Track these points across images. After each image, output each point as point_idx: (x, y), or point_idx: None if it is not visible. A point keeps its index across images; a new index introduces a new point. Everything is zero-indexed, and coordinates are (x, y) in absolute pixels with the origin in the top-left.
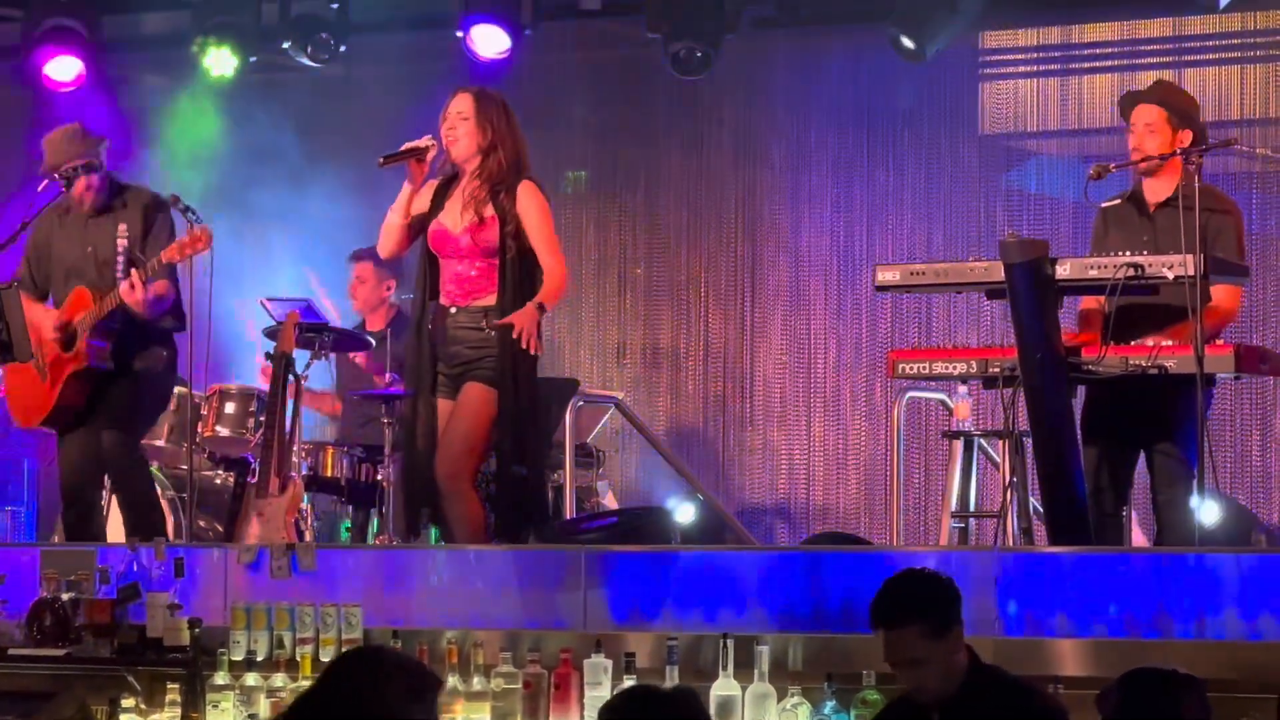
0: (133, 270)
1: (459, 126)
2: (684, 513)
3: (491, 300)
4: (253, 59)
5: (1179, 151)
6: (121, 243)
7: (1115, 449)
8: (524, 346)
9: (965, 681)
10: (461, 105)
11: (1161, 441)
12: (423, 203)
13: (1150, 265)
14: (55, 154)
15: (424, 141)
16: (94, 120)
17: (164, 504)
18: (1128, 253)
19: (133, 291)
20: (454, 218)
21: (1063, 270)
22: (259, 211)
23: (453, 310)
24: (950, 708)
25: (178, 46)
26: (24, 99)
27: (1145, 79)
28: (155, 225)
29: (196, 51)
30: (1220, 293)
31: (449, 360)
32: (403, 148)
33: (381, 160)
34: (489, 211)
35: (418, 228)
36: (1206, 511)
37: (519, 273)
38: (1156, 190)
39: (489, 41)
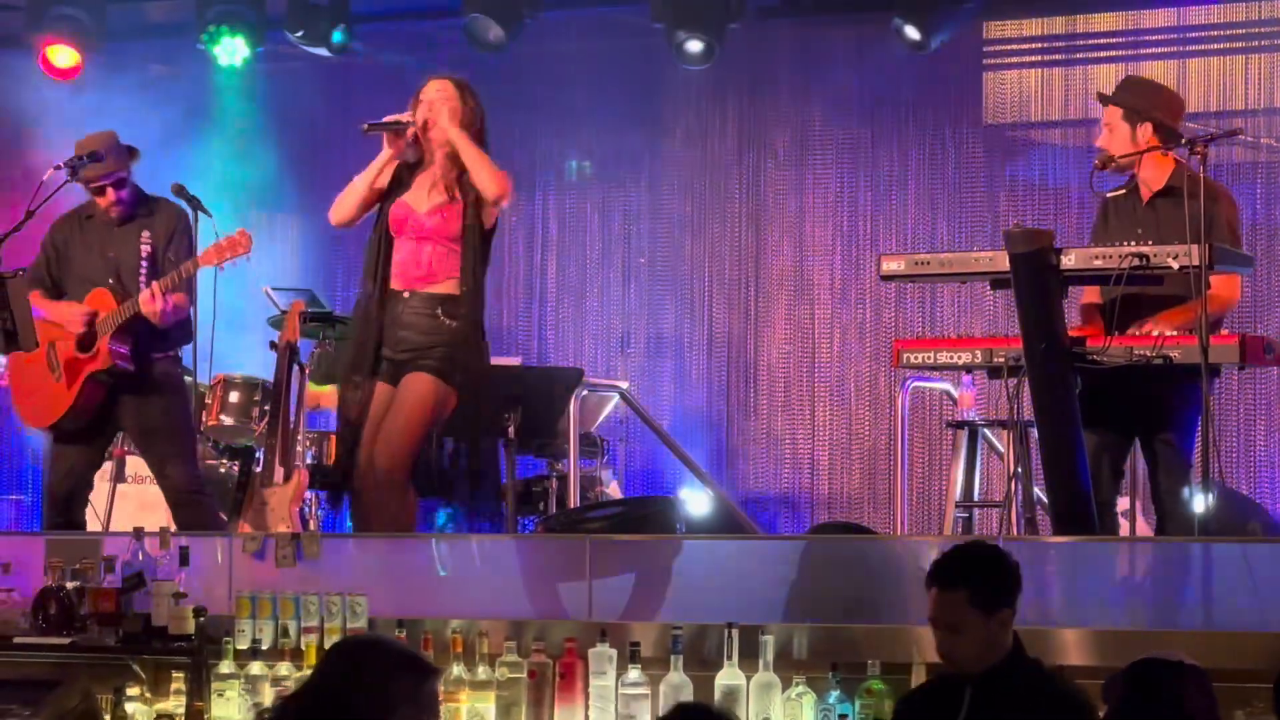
0: (154, 282)
1: (441, 107)
2: (696, 503)
3: (447, 288)
4: (259, 48)
5: (1185, 142)
6: (145, 249)
7: (1113, 438)
8: None
9: (1003, 661)
10: (443, 87)
11: (1162, 431)
12: (383, 179)
13: (1155, 255)
14: (109, 160)
15: (406, 116)
16: (99, 109)
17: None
18: (1132, 242)
19: (152, 301)
20: (420, 197)
21: (1067, 260)
22: (263, 200)
23: (406, 294)
24: (984, 683)
25: (181, 36)
26: (27, 87)
27: (1149, 69)
28: (176, 235)
29: (205, 40)
30: (1219, 281)
31: (395, 345)
32: (386, 119)
33: (365, 127)
34: (458, 192)
35: (373, 203)
36: (1203, 501)
37: (478, 256)
38: (1151, 181)
39: (488, 29)
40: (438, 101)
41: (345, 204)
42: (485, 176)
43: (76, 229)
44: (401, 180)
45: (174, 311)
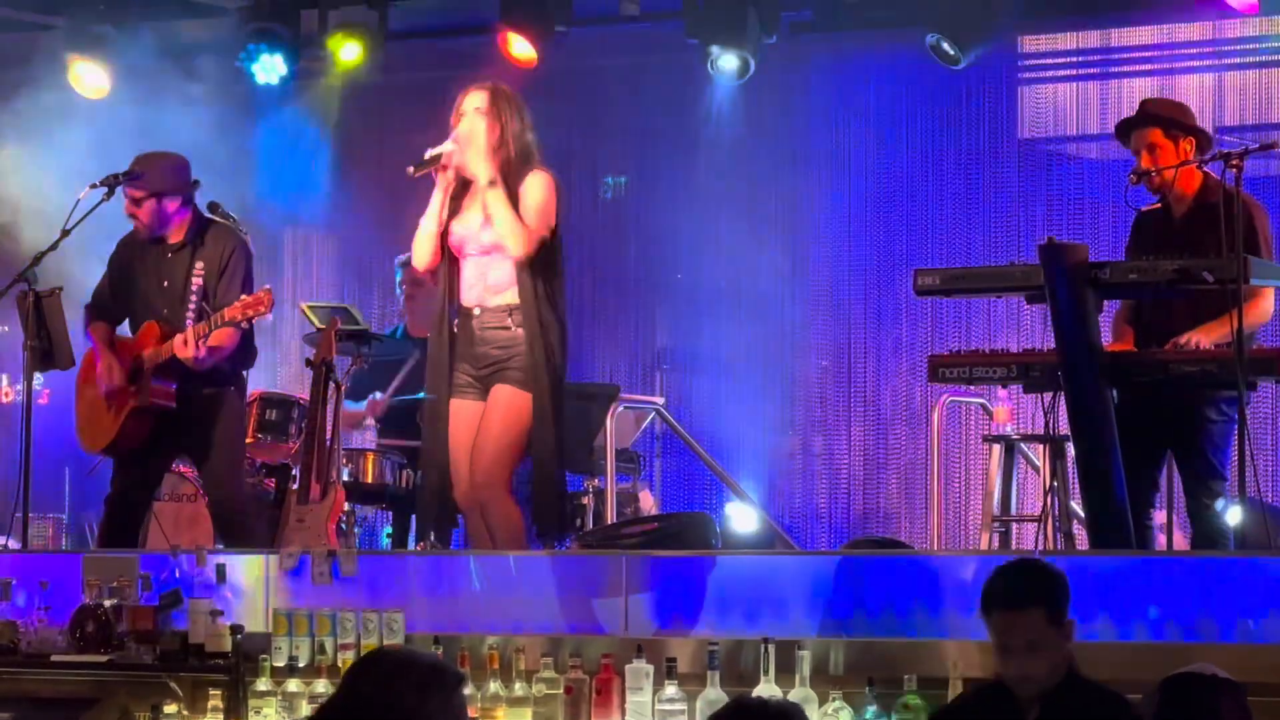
0: (189, 326)
1: (476, 121)
2: (744, 519)
3: (512, 297)
4: (293, 66)
5: (1217, 154)
6: (196, 281)
7: (1148, 451)
8: None
9: (1065, 680)
10: (478, 100)
11: (1196, 444)
12: (445, 211)
13: (1190, 269)
14: (149, 178)
15: (447, 145)
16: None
17: (206, 510)
18: (1167, 256)
19: (185, 348)
20: (474, 218)
21: (1103, 274)
22: (298, 217)
23: (476, 311)
24: (1051, 705)
25: (218, 54)
26: (61, 104)
27: (1184, 82)
28: (230, 268)
29: (243, 59)
30: (1253, 294)
31: (475, 362)
32: (428, 155)
33: (411, 170)
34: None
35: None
36: (1233, 514)
37: (536, 265)
38: (1184, 194)
39: (523, 47)
40: (474, 115)
41: (422, 249)
42: (511, 240)
43: (137, 252)
44: (455, 200)
45: (212, 353)
